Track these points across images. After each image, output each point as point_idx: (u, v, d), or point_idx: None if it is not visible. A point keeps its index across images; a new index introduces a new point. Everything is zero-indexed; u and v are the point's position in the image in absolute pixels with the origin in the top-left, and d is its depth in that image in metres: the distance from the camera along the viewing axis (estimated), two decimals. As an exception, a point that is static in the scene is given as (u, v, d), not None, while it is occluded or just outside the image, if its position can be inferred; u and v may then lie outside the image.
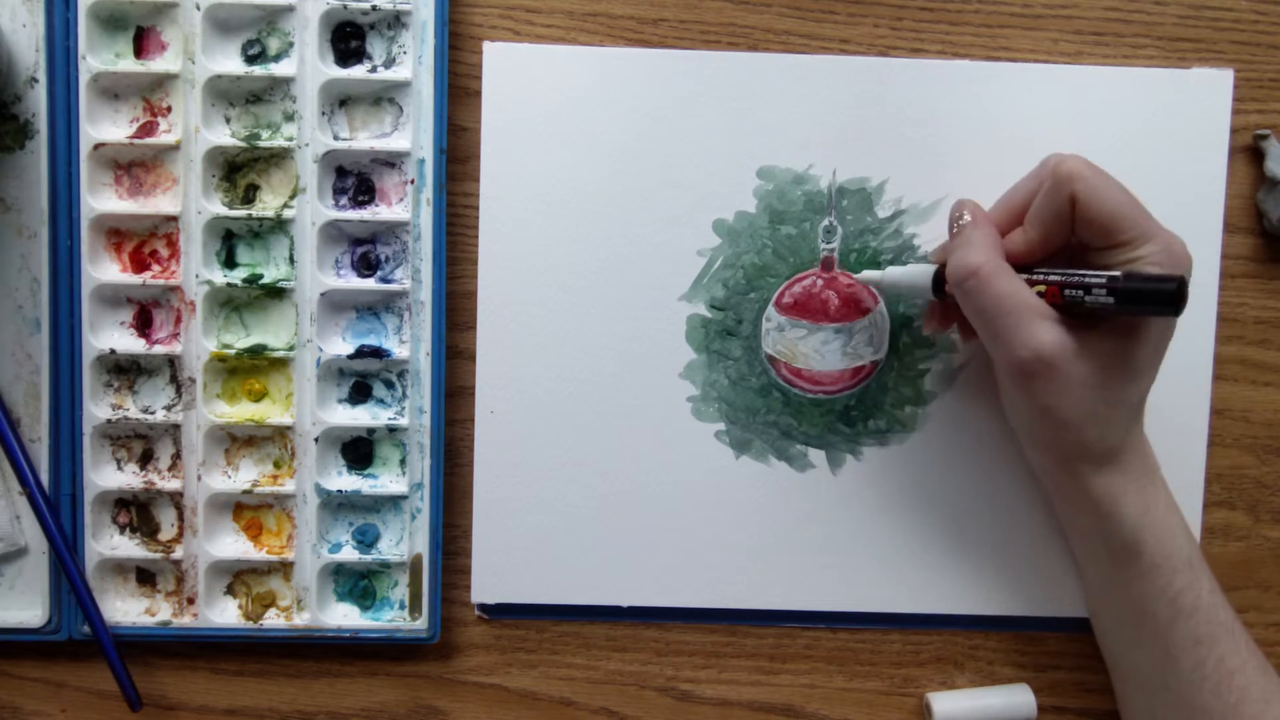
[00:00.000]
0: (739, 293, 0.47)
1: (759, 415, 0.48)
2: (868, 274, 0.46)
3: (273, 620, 0.47)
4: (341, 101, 0.46)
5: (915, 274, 0.44)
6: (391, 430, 0.47)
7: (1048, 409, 0.41)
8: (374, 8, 0.45)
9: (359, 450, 0.47)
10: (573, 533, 0.48)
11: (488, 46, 0.46)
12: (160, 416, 0.46)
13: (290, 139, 0.46)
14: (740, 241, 0.47)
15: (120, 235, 0.46)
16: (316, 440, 0.46)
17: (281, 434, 0.47)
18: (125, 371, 0.47)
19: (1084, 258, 0.42)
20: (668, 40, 0.47)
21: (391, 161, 0.46)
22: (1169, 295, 0.38)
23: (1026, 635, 0.49)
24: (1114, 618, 0.45)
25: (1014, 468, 0.48)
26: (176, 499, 0.47)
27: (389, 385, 0.47)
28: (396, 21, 0.46)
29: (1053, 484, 0.45)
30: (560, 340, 0.47)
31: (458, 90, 0.47)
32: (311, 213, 0.46)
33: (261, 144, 0.46)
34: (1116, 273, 0.39)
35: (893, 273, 0.45)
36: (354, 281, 0.46)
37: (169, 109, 0.46)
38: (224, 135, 0.46)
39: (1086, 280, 0.40)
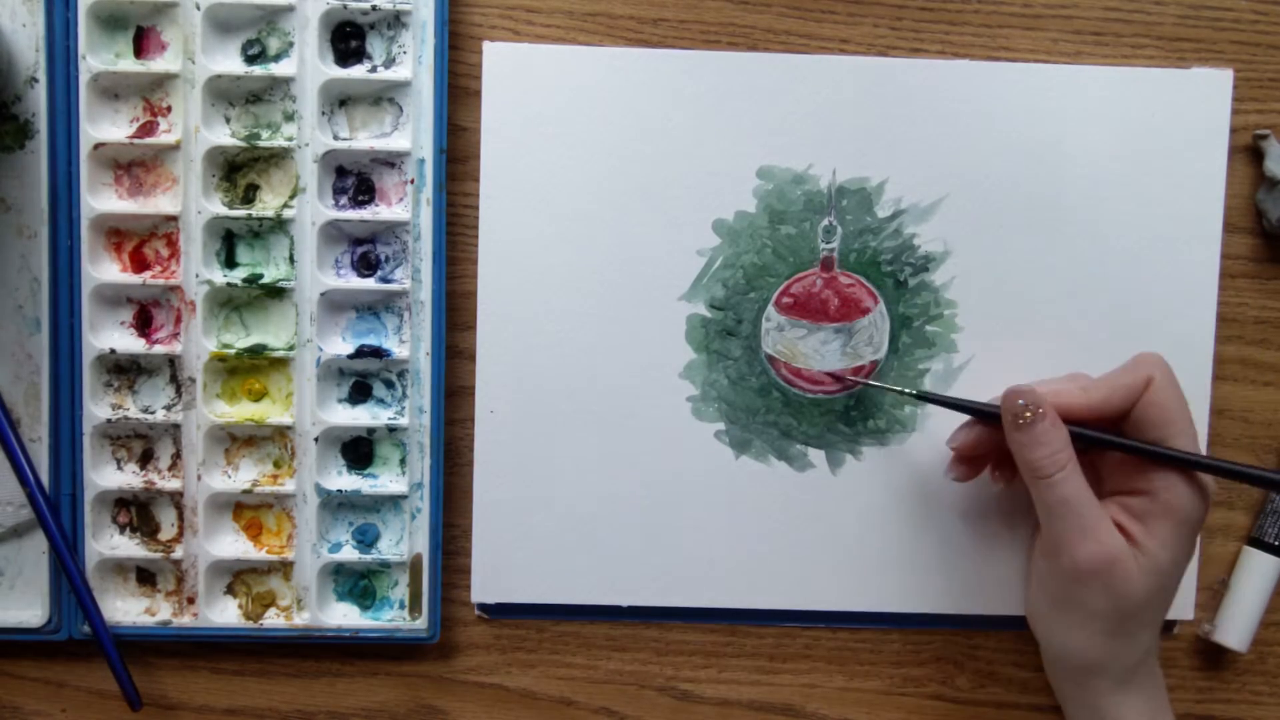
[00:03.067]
0: (739, 293, 0.47)
1: (759, 415, 0.48)
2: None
3: (273, 620, 0.47)
4: (341, 101, 0.46)
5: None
6: (391, 430, 0.47)
7: (1093, 615, 0.42)
8: (374, 8, 0.45)
9: (359, 450, 0.47)
10: (573, 533, 0.48)
11: (488, 46, 0.46)
12: (160, 416, 0.46)
13: (290, 139, 0.46)
14: (740, 241, 0.47)
15: (120, 235, 0.46)
16: (316, 440, 0.46)
17: (281, 434, 0.47)
18: (125, 371, 0.47)
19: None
20: (668, 40, 0.47)
21: (391, 161, 0.46)
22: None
23: (1026, 635, 0.49)
24: None
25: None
26: (176, 499, 0.47)
27: (389, 385, 0.47)
28: (396, 21, 0.46)
29: (1065, 692, 0.45)
30: (560, 340, 0.47)
31: (458, 90, 0.47)
32: (311, 212, 0.46)
33: (261, 144, 0.46)
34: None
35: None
36: (354, 281, 0.46)
37: (169, 109, 0.46)
38: (224, 135, 0.46)
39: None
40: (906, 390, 0.46)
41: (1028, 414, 0.42)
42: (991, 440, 0.45)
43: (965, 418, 0.45)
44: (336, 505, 0.47)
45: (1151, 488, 0.42)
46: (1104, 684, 0.43)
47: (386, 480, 0.47)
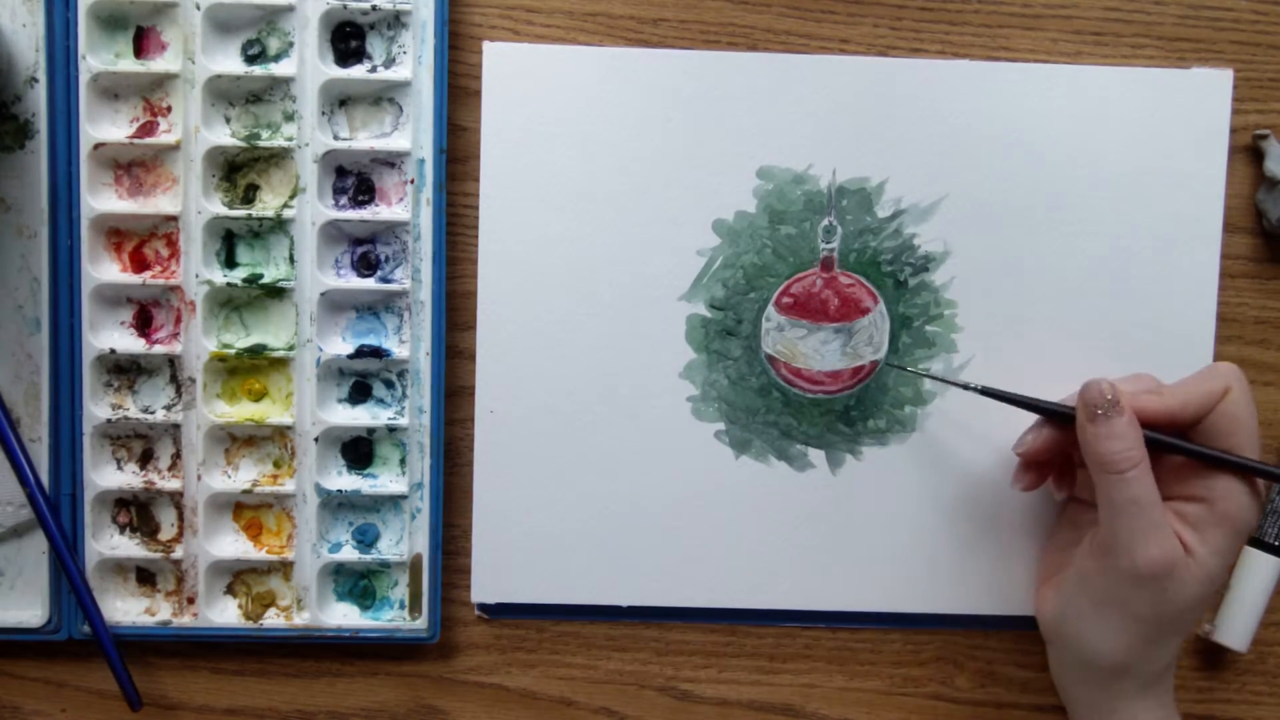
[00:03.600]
0: (739, 292, 0.47)
1: (759, 415, 0.48)
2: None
3: (273, 620, 0.47)
4: (341, 101, 0.46)
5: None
6: (391, 430, 0.47)
7: (1139, 619, 0.41)
8: (374, 8, 0.45)
9: (359, 450, 0.47)
10: (573, 532, 0.48)
11: (488, 46, 0.46)
12: (160, 416, 0.46)
13: (290, 139, 0.46)
14: (740, 241, 0.47)
15: (120, 235, 0.46)
16: (316, 440, 0.46)
17: (281, 434, 0.47)
18: (125, 371, 0.47)
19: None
20: (668, 40, 0.47)
21: (391, 161, 0.46)
22: None
23: (1026, 635, 0.49)
24: None
25: (1013, 467, 0.47)
26: (176, 499, 0.47)
27: (389, 385, 0.47)
28: (396, 21, 0.46)
29: (1084, 699, 0.45)
30: (560, 340, 0.47)
31: (458, 90, 0.47)
32: (311, 212, 0.46)
33: (261, 144, 0.46)
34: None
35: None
36: (354, 281, 0.46)
37: (169, 109, 0.46)
38: (224, 135, 0.46)
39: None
40: (971, 385, 0.45)
41: (1107, 406, 0.41)
42: (1057, 445, 0.44)
43: (1028, 420, 0.45)
44: (336, 505, 0.47)
45: (1211, 495, 0.41)
46: (1129, 688, 0.43)
47: (386, 480, 0.47)
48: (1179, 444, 0.42)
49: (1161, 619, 0.42)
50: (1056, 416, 0.44)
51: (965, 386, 0.45)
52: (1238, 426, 0.41)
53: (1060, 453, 0.45)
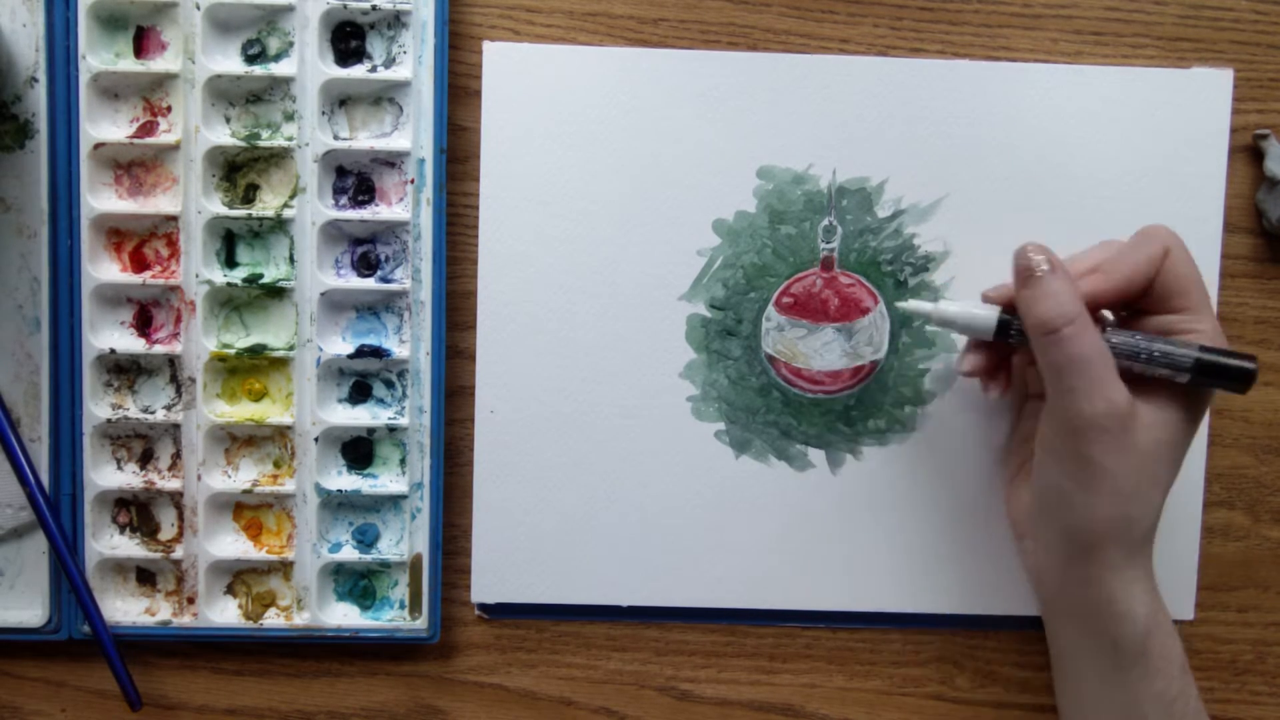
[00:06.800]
0: (739, 292, 0.47)
1: (759, 415, 0.48)
2: (915, 304, 0.44)
3: (273, 620, 0.47)
4: (341, 101, 0.46)
5: (976, 316, 0.43)
6: (391, 430, 0.47)
7: (1104, 472, 0.40)
8: (374, 7, 0.45)
9: (359, 450, 0.47)
10: (573, 532, 0.48)
11: (488, 46, 0.46)
12: (160, 416, 0.46)
13: (290, 139, 0.46)
14: (740, 241, 0.47)
15: (120, 235, 0.46)
16: (316, 440, 0.46)
17: (281, 434, 0.47)
18: (125, 371, 0.47)
19: (1134, 324, 0.43)
20: (668, 40, 0.47)
21: (391, 161, 0.46)
22: (1247, 373, 0.40)
23: (1026, 635, 0.49)
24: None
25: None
26: (176, 499, 0.47)
27: (389, 385, 0.47)
28: (396, 21, 0.46)
29: (1068, 577, 0.43)
30: (560, 340, 0.47)
31: (458, 90, 0.47)
32: (311, 212, 0.46)
33: (261, 144, 0.46)
34: (1191, 345, 0.40)
35: (947, 308, 0.43)
36: (354, 281, 0.46)
37: (169, 109, 0.46)
38: (224, 135, 0.46)
39: (1164, 349, 0.41)
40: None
41: (1038, 267, 0.40)
42: (998, 355, 0.44)
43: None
44: (336, 505, 0.47)
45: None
46: (1113, 556, 0.42)
47: (386, 480, 0.47)
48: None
49: (1129, 470, 0.41)
50: (983, 332, 0.43)
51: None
52: (1187, 284, 0.41)
53: (1004, 362, 0.45)
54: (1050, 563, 0.44)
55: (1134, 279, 0.42)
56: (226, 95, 0.46)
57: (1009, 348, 0.44)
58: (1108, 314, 0.44)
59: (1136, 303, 0.43)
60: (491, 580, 0.48)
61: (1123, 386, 0.40)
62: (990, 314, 0.43)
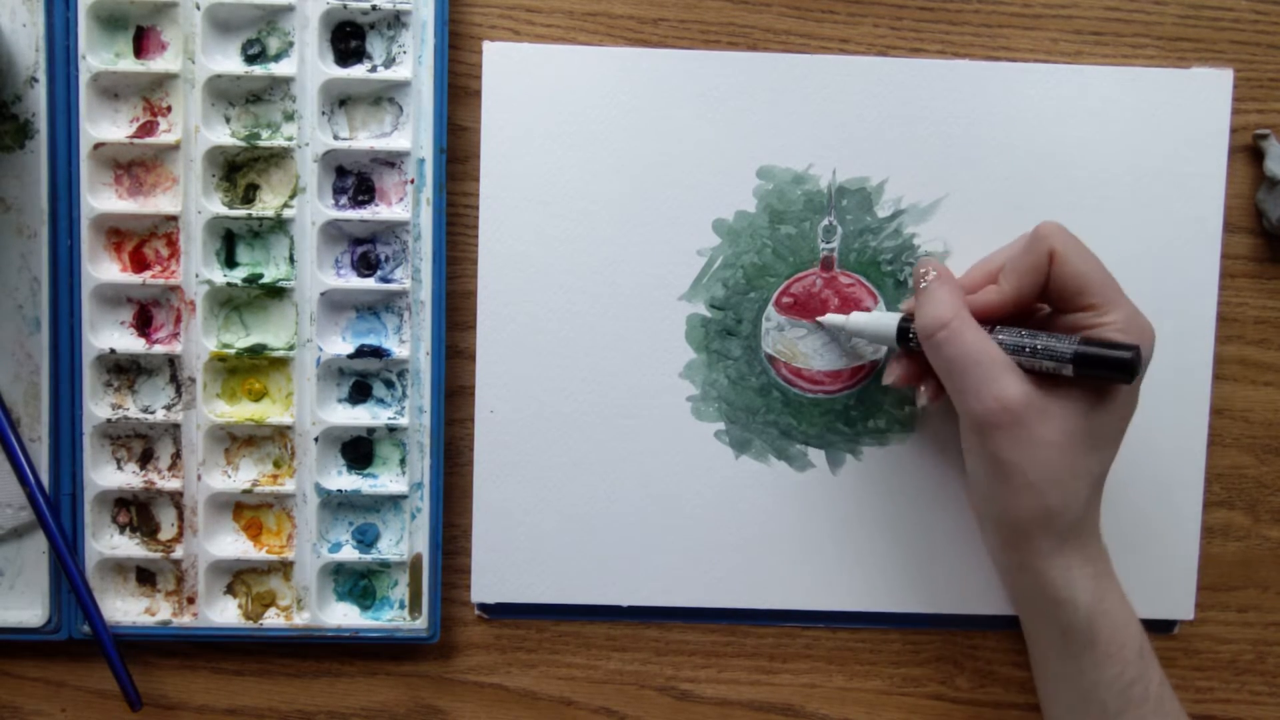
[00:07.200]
0: (739, 292, 0.47)
1: (759, 415, 0.48)
2: (832, 318, 0.47)
3: (273, 620, 0.47)
4: (341, 101, 0.46)
5: (880, 322, 0.45)
6: (391, 430, 0.47)
7: (1012, 466, 0.41)
8: (374, 7, 0.45)
9: (359, 450, 0.47)
10: (573, 532, 0.48)
11: (488, 46, 0.46)
12: (160, 416, 0.46)
13: (290, 139, 0.46)
14: (740, 241, 0.47)
15: (120, 235, 0.46)
16: (316, 440, 0.46)
17: (281, 433, 0.47)
18: (125, 371, 0.47)
19: (1050, 322, 0.43)
20: (668, 40, 0.47)
21: (391, 161, 0.46)
22: (1125, 363, 0.39)
23: (1026, 635, 0.49)
24: (1064, 705, 0.44)
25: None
26: (176, 498, 0.47)
27: (389, 385, 0.47)
28: (396, 21, 0.46)
29: (1008, 563, 0.44)
30: (560, 340, 0.47)
31: (458, 90, 0.47)
32: (311, 212, 0.46)
33: (261, 144, 0.46)
34: (1073, 337, 0.40)
35: (857, 319, 0.46)
36: (354, 281, 0.46)
37: (169, 109, 0.46)
38: (224, 135, 0.46)
39: (1046, 343, 0.40)
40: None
41: (926, 279, 0.42)
42: (919, 366, 0.45)
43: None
44: (336, 505, 0.47)
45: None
46: (1043, 545, 0.42)
47: (386, 480, 0.47)
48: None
49: (1035, 462, 0.41)
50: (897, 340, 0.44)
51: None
52: (1083, 282, 0.41)
53: (930, 370, 0.45)
54: (993, 550, 0.46)
55: (1023, 285, 0.42)
56: (226, 95, 0.46)
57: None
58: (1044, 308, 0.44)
59: (1042, 303, 0.43)
60: (491, 580, 0.48)
61: (1017, 382, 0.40)
62: (890, 320, 0.44)
